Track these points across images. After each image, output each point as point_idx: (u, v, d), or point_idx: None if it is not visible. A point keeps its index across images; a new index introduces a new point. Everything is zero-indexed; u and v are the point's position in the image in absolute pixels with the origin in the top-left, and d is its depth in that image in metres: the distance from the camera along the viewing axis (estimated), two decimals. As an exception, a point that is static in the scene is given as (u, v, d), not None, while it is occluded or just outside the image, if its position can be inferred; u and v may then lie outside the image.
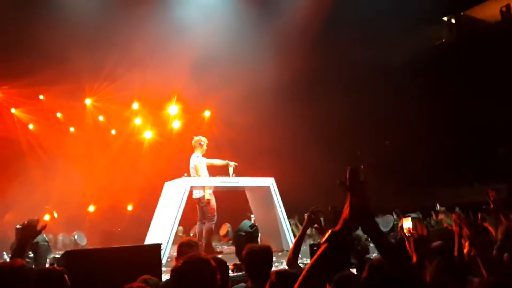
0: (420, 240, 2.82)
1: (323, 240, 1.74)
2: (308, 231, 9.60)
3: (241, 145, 10.45)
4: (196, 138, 8.02)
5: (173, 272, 2.40)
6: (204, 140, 7.97)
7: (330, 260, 1.74)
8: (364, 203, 1.81)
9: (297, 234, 5.81)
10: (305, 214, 6.12)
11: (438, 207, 7.87)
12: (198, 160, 7.73)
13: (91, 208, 11.74)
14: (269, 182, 7.73)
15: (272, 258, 3.91)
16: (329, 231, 1.77)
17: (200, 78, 10.61)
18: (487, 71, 9.52)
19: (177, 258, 3.87)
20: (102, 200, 11.46)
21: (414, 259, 2.84)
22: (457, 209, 7.63)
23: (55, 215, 11.15)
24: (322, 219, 4.80)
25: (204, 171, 7.66)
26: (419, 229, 2.93)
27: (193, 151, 7.96)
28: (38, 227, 3.17)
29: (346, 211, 1.79)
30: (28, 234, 3.11)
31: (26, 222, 3.19)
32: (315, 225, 4.30)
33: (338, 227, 1.76)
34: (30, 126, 11.73)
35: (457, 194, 9.04)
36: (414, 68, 10.12)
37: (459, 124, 10.03)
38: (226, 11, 10.70)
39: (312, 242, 8.27)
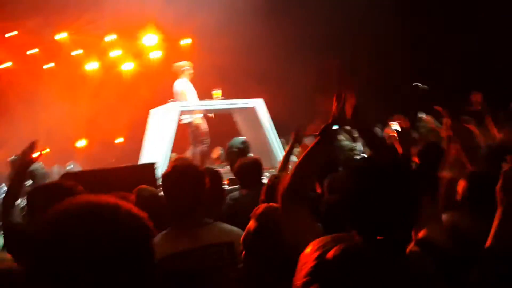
0: (404, 132, 2.94)
1: (318, 133, 1.86)
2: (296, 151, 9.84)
3: (227, 70, 10.32)
4: (176, 64, 7.87)
5: (163, 177, 2.49)
6: (185, 64, 7.81)
7: (320, 151, 1.84)
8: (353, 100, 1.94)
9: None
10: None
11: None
12: (184, 86, 7.66)
13: (83, 142, 11.70)
14: (257, 102, 7.77)
15: (262, 167, 4.09)
16: (323, 126, 1.88)
17: (177, 4, 10.23)
18: None
19: None
20: (91, 134, 11.45)
21: (400, 150, 2.97)
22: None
23: (47, 150, 11.15)
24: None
25: (191, 95, 7.63)
26: (402, 122, 3.05)
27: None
28: (34, 153, 3.21)
29: (334, 108, 1.91)
30: (25, 162, 3.16)
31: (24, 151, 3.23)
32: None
33: (328, 123, 1.88)
34: (8, 64, 11.38)
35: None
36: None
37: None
38: None
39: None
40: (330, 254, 1.29)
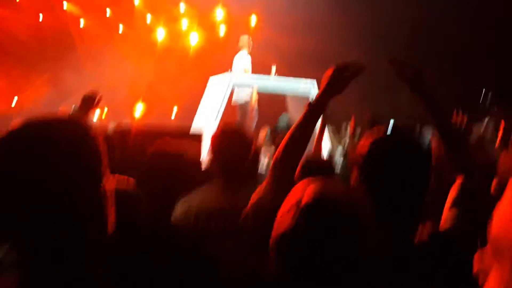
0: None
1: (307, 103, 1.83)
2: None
3: (284, 48, 10.29)
4: (245, 36, 7.90)
5: (213, 138, 2.58)
6: (250, 39, 7.88)
7: (313, 121, 1.81)
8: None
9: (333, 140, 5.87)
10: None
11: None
12: (248, 60, 7.70)
13: (139, 106, 12.07)
14: (311, 83, 7.73)
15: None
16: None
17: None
18: None
19: None
20: (149, 99, 11.82)
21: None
22: None
23: (106, 109, 11.69)
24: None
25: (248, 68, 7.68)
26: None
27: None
28: (96, 100, 3.40)
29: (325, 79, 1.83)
30: (87, 106, 3.33)
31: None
32: None
33: (320, 91, 1.84)
34: (81, 21, 11.95)
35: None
36: None
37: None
38: None
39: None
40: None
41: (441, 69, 9.82)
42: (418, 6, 10.05)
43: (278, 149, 1.81)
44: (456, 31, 9.84)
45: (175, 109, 12.60)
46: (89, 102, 3.30)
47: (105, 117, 10.47)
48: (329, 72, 1.85)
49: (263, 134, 10.72)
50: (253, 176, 2.87)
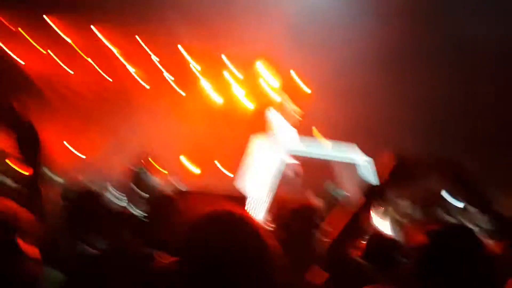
0: None
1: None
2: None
3: (338, 121, 10.22)
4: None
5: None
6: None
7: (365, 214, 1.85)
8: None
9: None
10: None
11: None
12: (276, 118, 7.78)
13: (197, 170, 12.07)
14: (363, 159, 7.57)
15: None
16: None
17: (298, 53, 10.49)
18: None
19: None
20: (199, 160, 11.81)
21: None
22: None
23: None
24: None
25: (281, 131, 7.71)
26: None
27: None
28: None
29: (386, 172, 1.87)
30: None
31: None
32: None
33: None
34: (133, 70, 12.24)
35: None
36: None
37: None
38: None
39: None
40: None
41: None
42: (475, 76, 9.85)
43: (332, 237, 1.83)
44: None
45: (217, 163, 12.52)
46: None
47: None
48: (390, 163, 1.90)
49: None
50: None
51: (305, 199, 2.74)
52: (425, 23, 9.79)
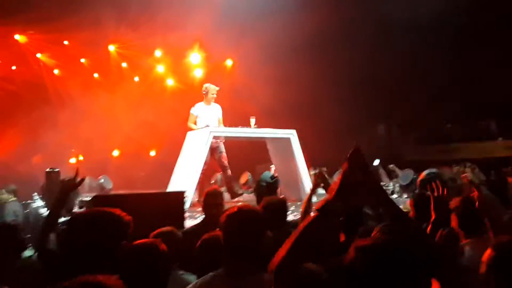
0: (439, 200, 2.83)
1: (316, 208, 1.78)
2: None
3: (263, 97, 10.40)
4: (212, 86, 7.88)
5: (227, 217, 2.42)
6: (207, 88, 7.82)
7: (318, 229, 1.78)
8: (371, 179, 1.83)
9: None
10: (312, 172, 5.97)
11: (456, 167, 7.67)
12: (196, 110, 7.74)
13: (116, 153, 12.06)
14: (290, 133, 7.78)
15: (286, 209, 4.04)
16: (324, 201, 1.80)
17: (223, 27, 10.42)
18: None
19: (204, 207, 4.01)
20: (126, 146, 11.73)
21: (432, 217, 2.87)
22: (468, 164, 7.45)
23: (81, 158, 11.53)
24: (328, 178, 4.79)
25: (201, 121, 7.66)
26: (439, 189, 2.90)
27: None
28: (77, 180, 3.27)
29: (337, 185, 1.80)
30: (68, 188, 3.19)
31: (67, 179, 3.29)
32: (322, 185, 4.34)
33: (330, 198, 1.79)
34: (55, 71, 11.89)
35: (479, 149, 8.88)
36: (439, 23, 9.66)
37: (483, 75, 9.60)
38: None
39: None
40: None
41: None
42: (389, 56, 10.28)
43: (278, 257, 1.75)
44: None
45: (152, 153, 12.55)
46: (69, 184, 3.15)
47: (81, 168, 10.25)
48: (338, 181, 1.83)
49: (245, 178, 10.74)
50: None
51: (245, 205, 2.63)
52: (348, 7, 9.96)
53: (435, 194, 2.88)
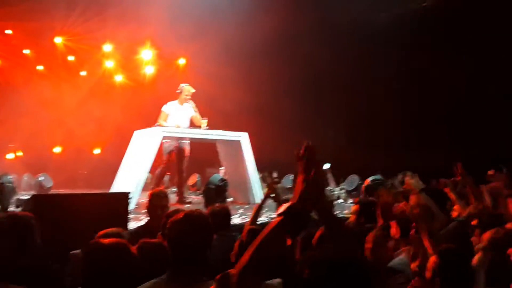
0: (385, 206, 2.92)
1: (278, 212, 1.78)
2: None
3: (217, 97, 10.34)
4: (180, 86, 7.86)
5: (171, 223, 2.35)
6: (182, 88, 7.79)
7: (281, 234, 1.77)
8: (319, 180, 1.84)
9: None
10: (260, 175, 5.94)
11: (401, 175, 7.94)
12: (168, 108, 7.68)
13: (57, 149, 11.57)
14: (241, 136, 7.77)
15: (230, 215, 3.99)
16: (286, 205, 1.80)
17: (177, 24, 10.27)
18: (471, 30, 9.47)
19: (149, 208, 3.90)
20: (69, 142, 11.29)
21: (379, 223, 2.94)
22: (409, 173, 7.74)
23: (20, 154, 10.97)
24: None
25: (173, 120, 7.59)
26: (385, 195, 2.99)
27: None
28: None
29: (300, 187, 1.81)
30: None
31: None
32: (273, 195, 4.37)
33: (294, 201, 1.79)
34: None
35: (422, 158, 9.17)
36: (398, 29, 9.98)
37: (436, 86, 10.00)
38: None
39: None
40: None
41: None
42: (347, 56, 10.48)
43: (242, 262, 1.72)
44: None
45: (97, 151, 12.15)
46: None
47: (20, 165, 9.78)
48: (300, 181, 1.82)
49: (193, 180, 10.63)
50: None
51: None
52: (301, 9, 10.09)
53: (381, 200, 2.96)
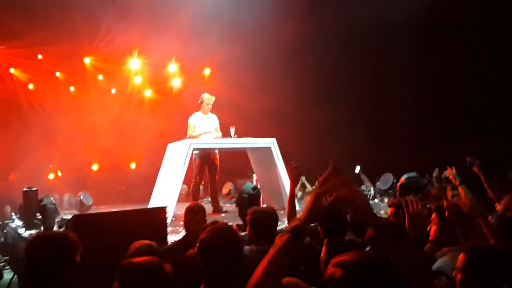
0: (414, 216, 2.83)
1: (285, 230, 1.80)
2: (308, 189, 9.76)
3: (243, 105, 10.41)
4: (202, 96, 7.98)
5: (201, 243, 2.38)
6: (203, 97, 7.89)
7: (292, 250, 1.79)
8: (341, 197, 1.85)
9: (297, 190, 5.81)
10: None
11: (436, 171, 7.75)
12: (193, 119, 7.79)
13: (95, 167, 11.90)
14: (271, 142, 7.79)
15: (277, 220, 3.79)
16: (293, 224, 1.82)
17: (200, 36, 10.42)
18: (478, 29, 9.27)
19: (185, 223, 3.93)
20: (105, 159, 11.58)
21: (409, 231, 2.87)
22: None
23: (59, 174, 11.33)
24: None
25: (199, 129, 7.70)
26: (414, 205, 2.90)
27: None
28: None
29: (309, 205, 1.83)
30: None
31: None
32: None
33: (302, 218, 1.82)
34: (30, 86, 11.68)
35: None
36: (412, 27, 9.83)
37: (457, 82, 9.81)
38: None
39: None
40: None
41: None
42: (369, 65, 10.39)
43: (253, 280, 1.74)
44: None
45: (133, 165, 12.42)
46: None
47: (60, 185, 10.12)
48: (312, 198, 1.84)
49: (227, 189, 10.72)
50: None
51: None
52: (324, 12, 10.06)
53: (410, 210, 2.87)
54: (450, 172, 4.22)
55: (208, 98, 7.85)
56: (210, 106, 7.85)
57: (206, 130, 7.74)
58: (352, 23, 9.82)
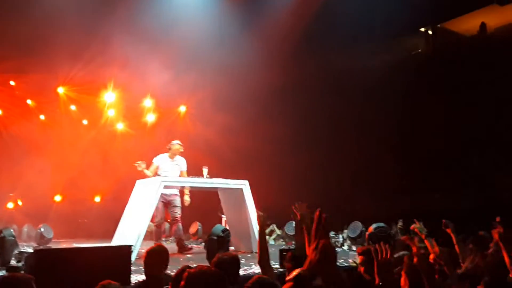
0: (383, 264, 2.83)
1: (289, 278, 1.80)
2: (277, 234, 9.69)
3: (218, 145, 10.42)
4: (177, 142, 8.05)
5: (188, 280, 2.33)
6: (171, 146, 7.96)
7: None
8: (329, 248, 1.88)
9: (267, 236, 5.81)
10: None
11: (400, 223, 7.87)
12: (158, 160, 7.86)
13: (58, 198, 11.52)
14: (243, 184, 7.76)
15: (239, 266, 3.80)
16: (296, 271, 1.82)
17: (179, 74, 10.51)
18: (460, 81, 9.69)
19: (145, 267, 3.50)
20: (69, 191, 11.26)
21: (376, 281, 2.87)
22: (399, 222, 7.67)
23: (20, 203, 10.90)
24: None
25: (163, 171, 7.72)
26: (383, 252, 2.90)
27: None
28: None
29: (312, 255, 1.84)
30: None
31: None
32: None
33: (305, 268, 1.82)
34: (-1, 112, 11.41)
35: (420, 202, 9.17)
36: (392, 77, 10.21)
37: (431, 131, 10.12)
38: (210, 11, 10.60)
39: (282, 246, 8.41)
40: None
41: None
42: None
43: None
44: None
45: (97, 199, 12.10)
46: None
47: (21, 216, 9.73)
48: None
49: (194, 228, 10.52)
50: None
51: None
52: (300, 60, 10.37)
53: (379, 257, 2.87)
54: (414, 227, 4.28)
55: (176, 149, 7.92)
56: (177, 153, 7.94)
57: (169, 173, 7.76)
58: (332, 72, 10.14)
